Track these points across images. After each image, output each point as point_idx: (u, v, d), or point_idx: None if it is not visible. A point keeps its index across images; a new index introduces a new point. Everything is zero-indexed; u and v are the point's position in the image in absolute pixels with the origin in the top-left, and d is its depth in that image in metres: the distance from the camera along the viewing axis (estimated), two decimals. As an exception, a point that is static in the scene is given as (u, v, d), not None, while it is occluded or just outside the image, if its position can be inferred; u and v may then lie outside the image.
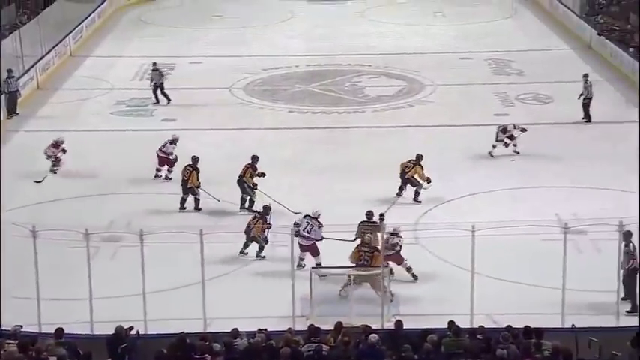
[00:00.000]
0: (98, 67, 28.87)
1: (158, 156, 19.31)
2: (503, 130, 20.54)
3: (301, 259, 14.78)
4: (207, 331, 12.42)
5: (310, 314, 13.53)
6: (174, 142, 19.46)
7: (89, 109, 24.84)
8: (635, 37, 27.81)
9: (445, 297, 13.91)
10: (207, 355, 10.77)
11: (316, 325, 11.78)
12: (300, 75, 28.16)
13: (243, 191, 17.54)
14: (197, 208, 17.72)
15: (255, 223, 15.39)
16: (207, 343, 11.18)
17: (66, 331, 11.59)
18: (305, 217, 15.40)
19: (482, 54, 29.85)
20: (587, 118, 22.80)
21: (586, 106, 22.77)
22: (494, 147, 20.34)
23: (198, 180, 17.67)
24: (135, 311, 12.94)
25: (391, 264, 14.37)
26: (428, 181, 17.89)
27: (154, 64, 25.36)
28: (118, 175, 19.73)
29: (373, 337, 11.04)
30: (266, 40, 32.59)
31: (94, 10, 34.53)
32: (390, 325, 12.43)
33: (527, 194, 18.32)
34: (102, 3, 35.74)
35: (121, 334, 11.77)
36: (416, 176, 17.90)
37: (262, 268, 15.28)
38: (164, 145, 19.40)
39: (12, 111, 23.60)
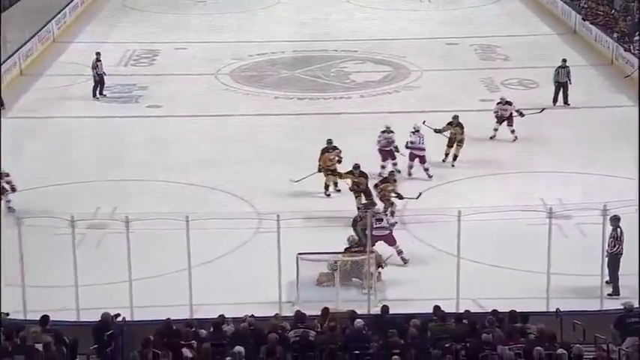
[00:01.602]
0: (82, 54, 28.56)
1: (380, 151, 18.83)
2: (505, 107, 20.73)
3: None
4: (194, 317, 12.46)
5: (297, 300, 13.58)
6: (385, 131, 18.71)
7: (73, 96, 24.70)
8: (620, 22, 27.93)
9: (431, 282, 13.92)
10: (193, 341, 10.78)
11: (303, 311, 11.83)
12: (286, 61, 28.08)
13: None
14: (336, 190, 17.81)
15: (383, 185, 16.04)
16: (193, 329, 11.22)
17: (51, 319, 11.57)
18: (410, 134, 18.07)
19: (468, 39, 29.83)
20: (555, 100, 23.00)
21: (557, 89, 22.99)
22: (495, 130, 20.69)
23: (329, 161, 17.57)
24: (121, 298, 12.92)
25: (381, 247, 14.46)
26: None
27: (97, 54, 24.72)
28: (102, 161, 19.68)
29: (359, 322, 11.08)
30: (251, 25, 32.44)
31: (78, -5, 34.28)
32: (376, 310, 12.48)
33: (513, 179, 18.40)
34: (85, -12, 35.48)
35: (107, 321, 11.77)
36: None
37: (249, 254, 15.27)
38: (379, 136, 18.74)
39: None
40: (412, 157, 18.43)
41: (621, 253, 13.72)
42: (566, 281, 13.69)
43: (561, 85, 23.00)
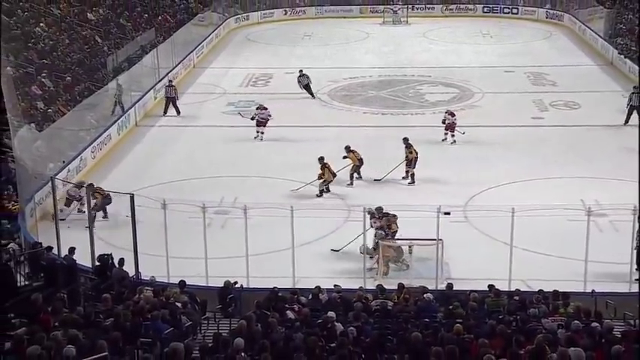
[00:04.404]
0: (214, 77, 29.25)
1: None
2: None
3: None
4: (296, 287, 12.53)
5: (378, 277, 13.50)
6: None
7: (207, 109, 25.20)
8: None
9: (488, 265, 13.58)
10: (295, 305, 10.86)
11: (383, 285, 11.78)
12: (373, 83, 27.98)
13: None
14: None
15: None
16: (296, 296, 11.29)
17: (187, 283, 11.84)
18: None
19: (523, 68, 29.13)
20: (627, 121, 21.66)
21: (630, 111, 21.62)
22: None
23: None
24: (239, 269, 13.12)
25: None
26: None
27: (301, 70, 25.89)
28: (227, 161, 19.99)
29: (428, 295, 10.97)
30: (346, 55, 32.49)
31: (213, 32, 35.03)
32: (442, 286, 12.30)
33: (557, 183, 17.86)
34: (218, 26, 36.26)
35: (229, 287, 11.99)
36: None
37: (340, 239, 15.23)
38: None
39: (166, 112, 23.97)
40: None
41: (648, 245, 13.22)
42: (600, 268, 13.25)
43: (634, 108, 21.49)
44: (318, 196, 16.93)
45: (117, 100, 23.27)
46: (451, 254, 14.06)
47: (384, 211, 14.40)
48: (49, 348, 7.81)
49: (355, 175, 18.02)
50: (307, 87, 25.69)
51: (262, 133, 21.37)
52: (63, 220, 15.43)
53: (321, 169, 17.22)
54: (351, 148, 18.15)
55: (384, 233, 14.04)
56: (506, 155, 19.86)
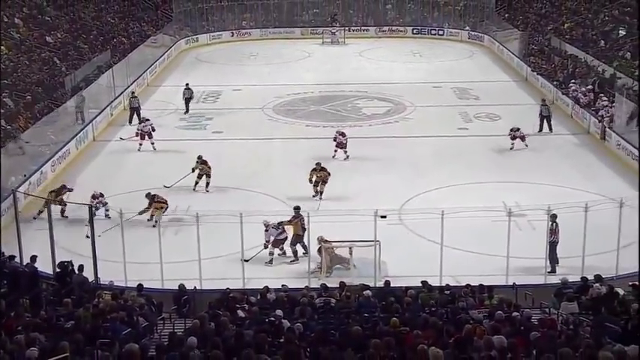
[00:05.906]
0: (167, 94, 28.86)
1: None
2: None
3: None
4: (246, 287, 12.47)
5: (321, 276, 13.53)
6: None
7: (161, 125, 24.79)
8: (558, 73, 27.84)
9: (421, 263, 13.75)
10: (245, 305, 10.80)
11: (326, 284, 11.81)
12: (314, 99, 28.06)
13: None
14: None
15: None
16: (245, 296, 11.22)
17: (144, 286, 11.66)
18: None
19: (449, 84, 29.66)
20: (541, 129, 22.50)
21: (542, 121, 22.57)
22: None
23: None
24: (193, 272, 12.98)
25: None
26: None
27: (187, 84, 26.04)
28: (180, 171, 19.69)
29: (367, 292, 11.03)
30: (289, 73, 32.51)
31: (165, 53, 34.62)
32: (380, 284, 12.41)
33: (482, 187, 18.22)
34: (170, 47, 35.86)
35: (183, 289, 11.83)
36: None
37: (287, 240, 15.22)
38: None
39: (130, 121, 24.03)
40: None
41: (557, 242, 13.60)
42: (520, 262, 13.57)
43: (545, 117, 22.59)
44: (194, 189, 17.86)
45: (78, 112, 22.96)
46: (388, 254, 14.21)
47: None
48: (12, 351, 7.58)
49: (198, 182, 18.17)
50: (187, 101, 25.70)
51: (153, 143, 21.20)
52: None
53: (201, 164, 18.11)
54: (204, 158, 18.35)
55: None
56: (436, 163, 20.16)
